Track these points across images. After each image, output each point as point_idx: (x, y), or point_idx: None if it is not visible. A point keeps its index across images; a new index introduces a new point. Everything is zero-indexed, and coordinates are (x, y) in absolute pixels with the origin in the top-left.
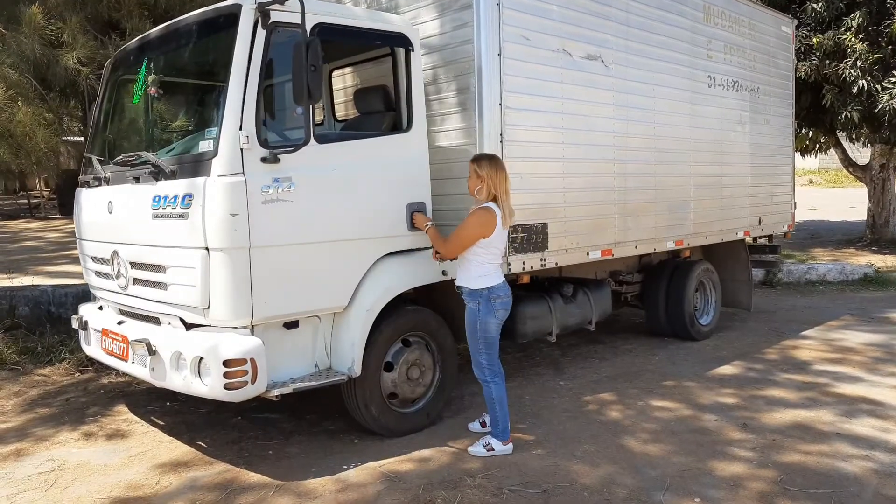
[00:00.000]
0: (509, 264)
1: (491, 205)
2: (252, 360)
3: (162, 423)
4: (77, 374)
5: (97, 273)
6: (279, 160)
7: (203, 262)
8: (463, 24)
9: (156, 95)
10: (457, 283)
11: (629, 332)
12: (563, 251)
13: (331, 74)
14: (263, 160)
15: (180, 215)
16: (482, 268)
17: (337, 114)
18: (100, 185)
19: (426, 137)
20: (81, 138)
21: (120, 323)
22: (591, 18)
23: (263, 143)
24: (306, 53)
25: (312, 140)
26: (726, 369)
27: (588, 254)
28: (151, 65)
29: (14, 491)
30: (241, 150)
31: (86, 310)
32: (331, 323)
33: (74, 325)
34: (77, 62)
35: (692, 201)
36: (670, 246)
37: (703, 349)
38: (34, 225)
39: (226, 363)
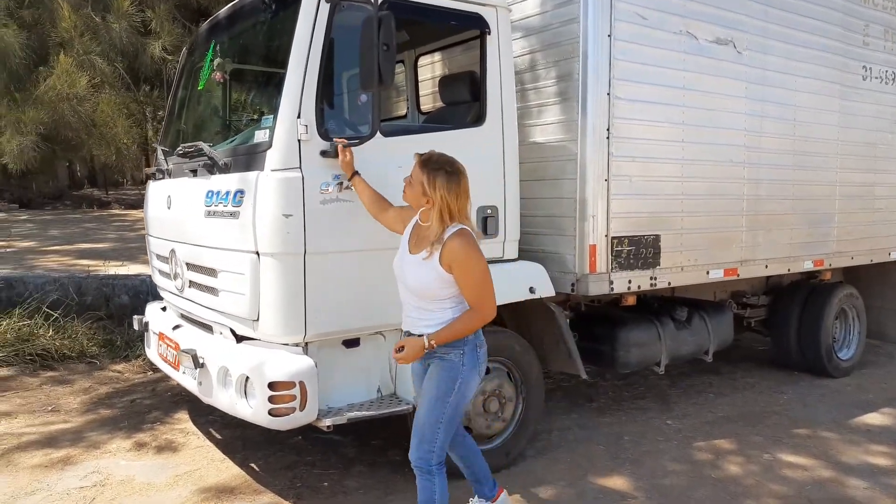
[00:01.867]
0: (611, 282)
1: (460, 226)
2: (301, 383)
3: (219, 438)
4: (149, 373)
5: (160, 272)
6: (337, 154)
7: (253, 268)
8: (567, 0)
9: (221, 81)
10: (417, 331)
11: (750, 361)
12: (677, 269)
13: (416, 61)
14: (323, 154)
15: (231, 214)
16: (462, 306)
17: (423, 105)
18: (163, 177)
19: (502, 132)
20: None
21: (175, 328)
22: None
23: (324, 134)
24: (378, 30)
25: (378, 133)
26: (874, 418)
27: (708, 273)
28: (218, 48)
29: None
30: (299, 141)
31: (150, 310)
32: (396, 342)
33: (136, 326)
34: (163, 50)
35: (837, 214)
36: (808, 266)
37: (843, 389)
38: None
39: (271, 385)
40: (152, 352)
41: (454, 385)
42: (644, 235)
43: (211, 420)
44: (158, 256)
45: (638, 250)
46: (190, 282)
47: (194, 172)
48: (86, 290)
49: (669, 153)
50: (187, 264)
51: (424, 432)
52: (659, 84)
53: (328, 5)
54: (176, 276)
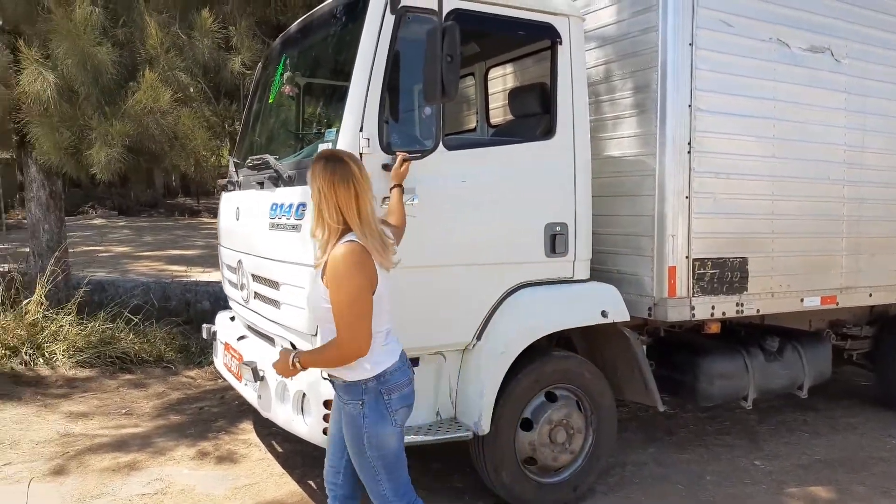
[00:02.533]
0: (693, 308)
1: (352, 237)
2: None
3: (279, 451)
4: (219, 381)
5: (229, 282)
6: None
7: (311, 280)
8: (645, 7)
9: (291, 94)
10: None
11: (851, 398)
12: (767, 295)
13: (487, 73)
14: (385, 168)
15: (293, 227)
16: None
17: (492, 119)
18: (234, 189)
19: (573, 146)
20: None
21: (240, 339)
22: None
23: (386, 147)
24: (442, 41)
25: (441, 146)
26: None
27: (803, 300)
28: (288, 62)
29: None
30: (361, 154)
31: (220, 319)
32: (458, 363)
33: (204, 335)
34: (242, 65)
35: None
36: None
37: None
38: None
39: (327, 404)
40: (219, 361)
41: (362, 441)
42: (729, 258)
43: (273, 432)
44: (228, 267)
45: (723, 274)
46: (255, 293)
47: (261, 185)
48: (170, 294)
49: (759, 169)
50: (253, 275)
51: (370, 488)
52: (746, 95)
53: (393, 17)
54: (242, 287)
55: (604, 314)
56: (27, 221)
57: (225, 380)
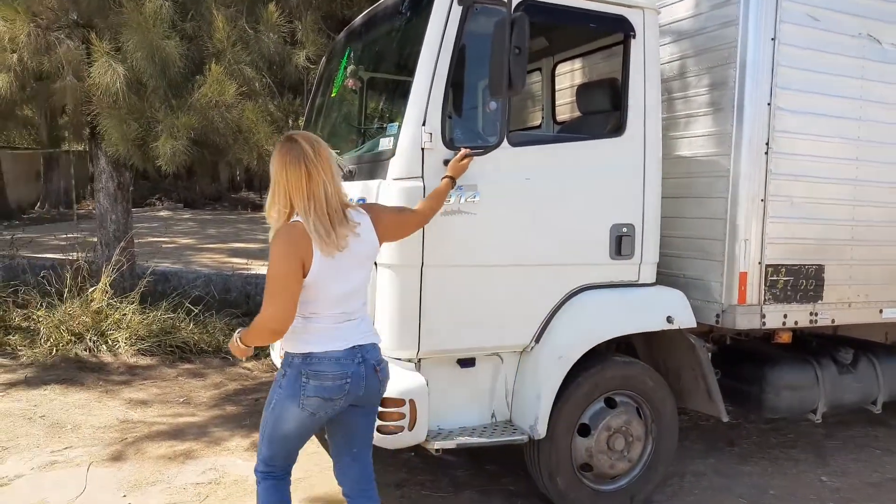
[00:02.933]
0: (764, 316)
1: (296, 221)
2: (411, 401)
3: None
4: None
5: None
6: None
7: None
8: (726, 1)
9: (354, 88)
10: (365, 342)
11: None
12: (843, 304)
13: (554, 68)
14: (447, 163)
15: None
16: (299, 322)
17: (559, 115)
18: None
19: (644, 144)
20: None
21: None
22: None
23: (448, 143)
24: (510, 33)
25: (505, 142)
26: None
27: (882, 311)
28: (352, 55)
29: (167, 500)
30: (423, 149)
31: None
32: (515, 365)
33: None
34: (306, 60)
35: None
36: None
37: None
38: None
39: (382, 402)
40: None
41: (272, 400)
42: (805, 265)
43: None
44: None
45: (797, 281)
46: None
47: (349, 176)
48: (231, 286)
49: (840, 173)
50: None
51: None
52: (831, 94)
53: (460, 8)
54: None
55: (669, 320)
56: (96, 211)
57: None
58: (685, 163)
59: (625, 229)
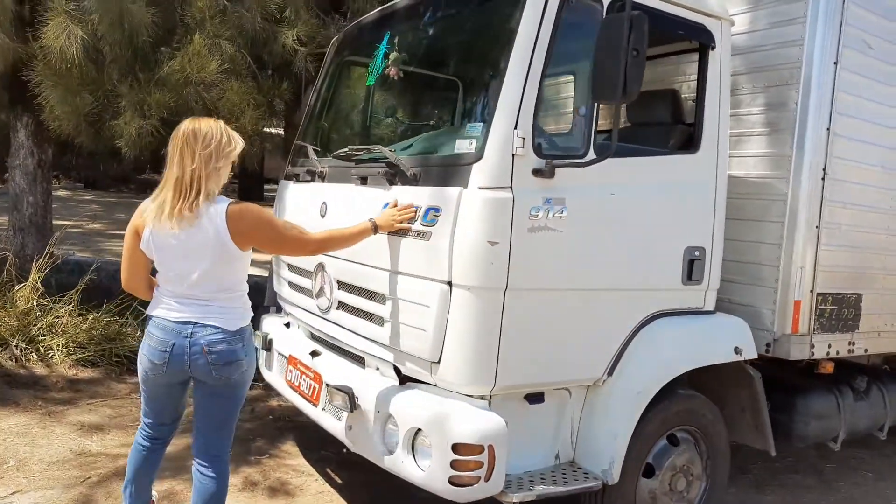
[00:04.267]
0: (812, 346)
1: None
2: (490, 447)
3: (339, 482)
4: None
5: (292, 285)
6: (554, 175)
7: (442, 300)
8: (788, 19)
9: (397, 77)
10: (202, 322)
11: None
12: (874, 334)
13: None
14: (537, 173)
15: (419, 234)
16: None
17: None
18: (312, 180)
19: (716, 162)
20: (279, 130)
21: (314, 355)
22: None
23: (537, 150)
24: (629, 33)
25: (591, 152)
26: None
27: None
28: (395, 40)
29: None
30: (514, 155)
31: (271, 325)
32: (582, 400)
33: (257, 343)
34: (296, 41)
35: None
36: None
37: None
38: None
39: (456, 448)
40: (275, 376)
41: (244, 382)
42: (847, 294)
43: (325, 457)
44: (292, 267)
45: (840, 310)
46: (339, 303)
47: (363, 180)
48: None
49: (878, 201)
50: (339, 283)
51: (209, 439)
52: (876, 122)
53: (558, 1)
54: (319, 295)
55: (737, 351)
56: (9, 191)
57: (252, 387)
58: (737, 183)
59: (697, 252)
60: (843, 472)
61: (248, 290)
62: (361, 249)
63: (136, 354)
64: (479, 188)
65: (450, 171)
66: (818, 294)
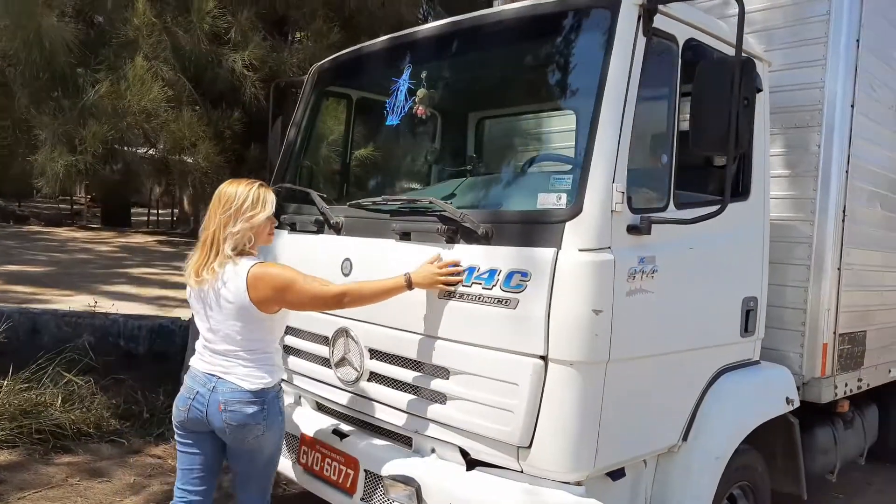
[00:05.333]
0: (836, 387)
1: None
2: None
3: None
4: None
5: (294, 350)
6: (651, 232)
7: (535, 378)
8: (809, 61)
9: (424, 116)
10: (225, 376)
11: None
12: (872, 368)
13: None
14: (632, 230)
15: (500, 301)
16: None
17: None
18: (320, 231)
19: (764, 209)
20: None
21: (342, 436)
22: None
23: (629, 203)
24: (740, 80)
25: (672, 205)
26: None
27: (890, 371)
28: (423, 75)
29: None
30: (612, 212)
31: None
32: (654, 469)
33: None
34: (247, 65)
35: None
36: None
37: None
38: (80, 235)
39: None
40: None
41: (269, 445)
42: (857, 332)
43: None
44: (300, 332)
45: (852, 349)
46: (372, 374)
47: (405, 235)
48: (40, 327)
49: (879, 240)
50: (373, 351)
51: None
52: (877, 163)
53: (644, 40)
54: (341, 364)
55: (788, 401)
56: None
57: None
58: None
59: (752, 303)
60: (817, 497)
61: (278, 350)
62: (406, 313)
63: (61, 428)
64: (580, 250)
65: (536, 230)
66: (840, 334)
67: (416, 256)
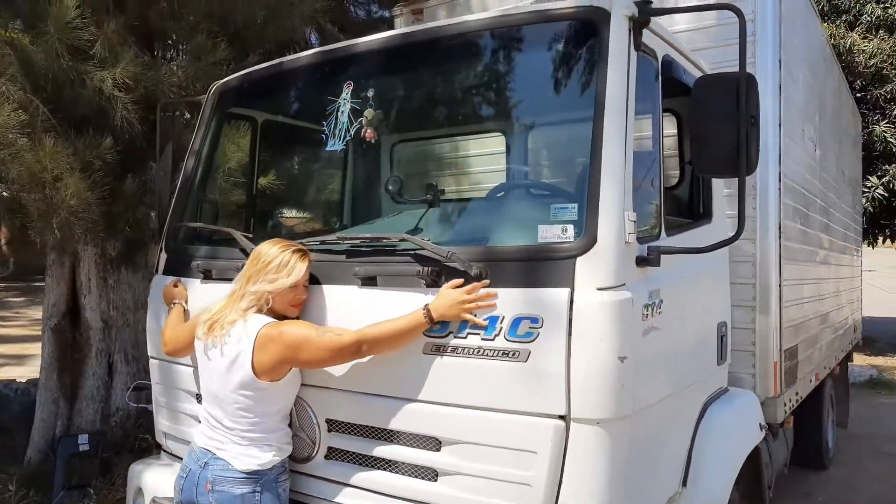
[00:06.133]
0: (785, 404)
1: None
2: None
3: None
4: None
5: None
6: (660, 263)
7: (556, 442)
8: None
9: (372, 140)
10: (217, 452)
11: None
12: (803, 380)
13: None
14: (642, 262)
15: (506, 353)
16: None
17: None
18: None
19: (725, 229)
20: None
21: None
22: None
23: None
24: (746, 98)
25: (663, 232)
26: None
27: (811, 381)
28: (370, 93)
29: None
30: (626, 243)
31: (152, 477)
32: None
33: None
34: (117, 85)
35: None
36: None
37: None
38: None
39: None
40: None
41: None
42: (793, 346)
43: None
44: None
45: (791, 364)
46: (331, 449)
47: (370, 281)
48: None
49: (800, 254)
50: (332, 422)
51: None
52: (794, 181)
53: (636, 55)
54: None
55: (761, 427)
56: None
57: None
58: None
59: (723, 328)
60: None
61: (282, 428)
62: (374, 375)
63: None
64: (598, 289)
65: (542, 268)
66: (784, 351)
67: (384, 302)
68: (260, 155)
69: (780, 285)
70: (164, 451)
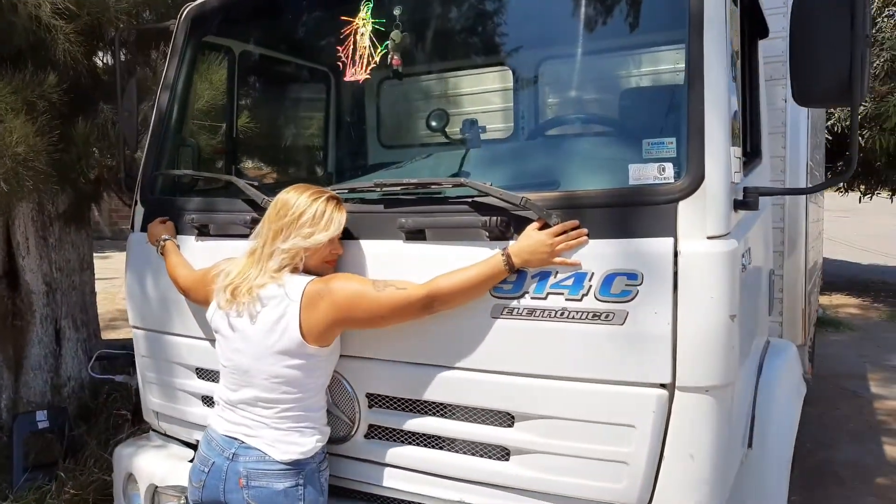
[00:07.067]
0: (808, 353)
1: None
2: None
3: None
4: None
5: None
6: (758, 206)
7: (658, 414)
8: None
9: (399, 68)
10: (248, 441)
11: None
12: (812, 326)
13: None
14: (740, 206)
15: (597, 315)
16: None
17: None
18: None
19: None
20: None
21: None
22: None
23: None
24: (863, 13)
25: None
26: None
27: (813, 326)
28: (396, 11)
29: None
30: (733, 182)
31: (155, 467)
32: None
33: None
34: (57, 11)
35: None
36: None
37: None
38: None
39: None
40: None
41: None
42: (811, 291)
43: None
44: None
45: (812, 310)
46: (371, 427)
47: (416, 235)
48: None
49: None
50: (373, 396)
51: None
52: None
53: None
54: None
55: (805, 380)
56: None
57: None
58: None
59: (772, 276)
60: None
61: (322, 406)
62: (425, 342)
63: None
64: (708, 237)
65: (635, 214)
66: (807, 296)
67: (435, 256)
68: (243, 91)
69: (806, 230)
70: (155, 430)
